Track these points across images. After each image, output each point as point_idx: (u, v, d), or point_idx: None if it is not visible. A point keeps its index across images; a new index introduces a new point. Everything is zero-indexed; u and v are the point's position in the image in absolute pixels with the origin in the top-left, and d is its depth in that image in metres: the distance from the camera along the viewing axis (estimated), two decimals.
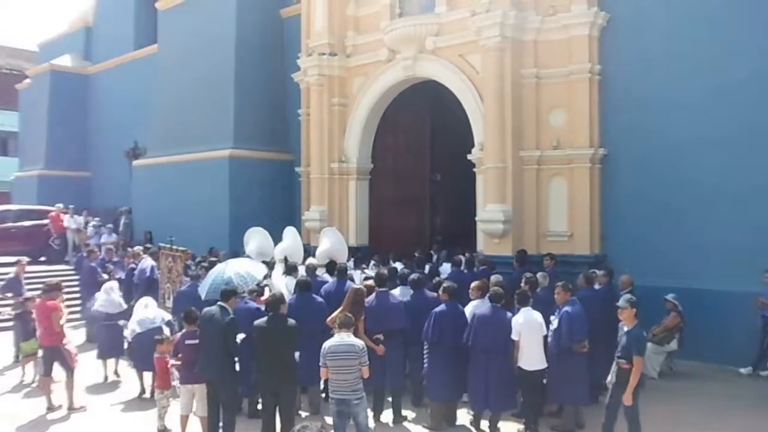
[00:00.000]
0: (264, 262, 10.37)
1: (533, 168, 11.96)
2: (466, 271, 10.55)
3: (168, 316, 9.55)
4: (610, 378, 6.72)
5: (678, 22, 10.86)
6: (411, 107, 15.10)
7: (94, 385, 9.79)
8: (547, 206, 11.98)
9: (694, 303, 9.97)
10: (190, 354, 7.11)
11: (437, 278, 9.32)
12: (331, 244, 11.09)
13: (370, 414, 7.34)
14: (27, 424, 8.18)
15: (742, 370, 9.93)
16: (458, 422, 7.82)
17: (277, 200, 16.77)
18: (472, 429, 7.70)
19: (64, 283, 9.70)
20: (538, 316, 7.33)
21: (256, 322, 6.83)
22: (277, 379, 6.68)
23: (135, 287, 11.60)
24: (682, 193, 10.70)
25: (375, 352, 7.52)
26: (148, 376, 9.08)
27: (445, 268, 11.47)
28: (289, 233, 11.11)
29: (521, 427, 7.54)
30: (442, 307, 7.57)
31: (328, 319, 7.62)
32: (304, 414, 8.14)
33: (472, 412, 7.74)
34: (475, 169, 12.64)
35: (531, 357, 7.21)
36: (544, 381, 7.59)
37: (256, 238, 11.29)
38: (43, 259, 17.64)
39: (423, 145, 15.78)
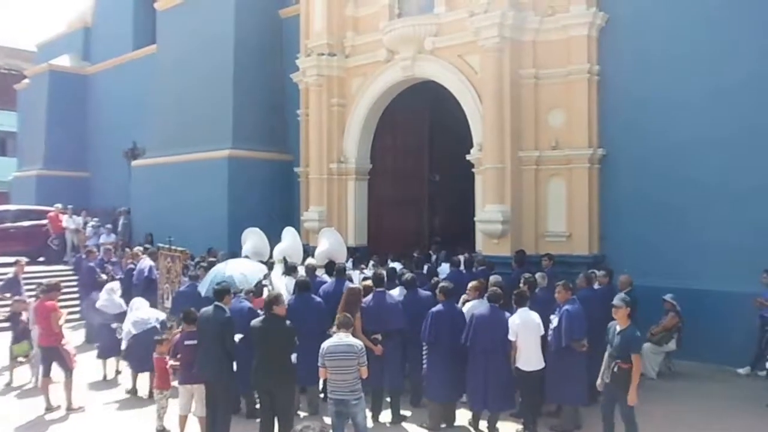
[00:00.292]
0: (262, 262, 10.39)
1: (532, 168, 11.97)
2: (464, 271, 10.56)
3: (162, 316, 9.66)
4: (600, 381, 6.73)
5: (677, 22, 10.87)
6: (410, 108, 15.10)
7: (93, 383, 9.82)
8: (546, 206, 11.98)
9: (693, 303, 9.98)
10: (189, 354, 7.12)
11: (436, 278, 9.33)
12: (330, 244, 11.09)
13: (369, 414, 7.34)
14: (25, 424, 8.17)
15: (741, 371, 9.94)
16: (457, 422, 7.82)
17: (276, 201, 16.77)
18: (471, 429, 7.70)
19: (62, 284, 9.68)
20: (535, 316, 7.33)
21: (253, 322, 6.85)
22: (272, 380, 6.69)
23: (134, 287, 11.60)
24: (680, 194, 10.71)
25: (373, 353, 7.53)
26: (143, 376, 9.16)
27: (444, 269, 11.48)
28: (289, 234, 11.12)
29: (520, 427, 7.55)
30: (438, 307, 7.58)
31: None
32: (302, 414, 8.14)
33: (470, 414, 7.75)
34: (473, 170, 12.65)
35: (528, 357, 7.22)
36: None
37: (251, 238, 11.34)
38: (41, 259, 17.61)
39: (422, 145, 15.78)
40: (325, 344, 6.24)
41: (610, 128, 11.55)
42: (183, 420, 7.28)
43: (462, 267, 10.70)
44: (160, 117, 19.05)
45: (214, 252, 12.91)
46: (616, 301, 6.73)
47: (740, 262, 9.95)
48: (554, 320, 7.49)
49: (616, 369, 6.50)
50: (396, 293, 8.63)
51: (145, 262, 11.98)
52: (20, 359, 9.94)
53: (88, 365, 10.29)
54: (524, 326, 7.19)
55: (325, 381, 6.69)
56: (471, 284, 8.40)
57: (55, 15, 66.27)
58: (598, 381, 6.77)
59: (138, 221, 19.18)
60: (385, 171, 15.48)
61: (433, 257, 13.77)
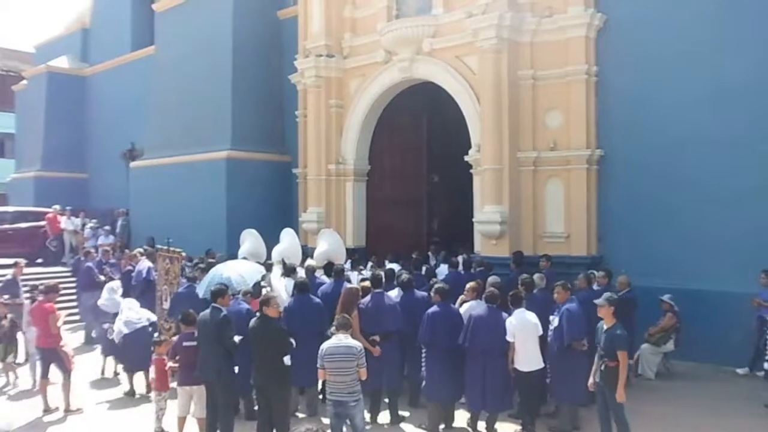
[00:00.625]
0: (260, 263, 10.40)
1: (530, 169, 11.98)
2: (463, 272, 10.57)
3: (153, 317, 9.80)
4: (592, 381, 6.74)
5: (675, 23, 10.88)
6: (408, 108, 15.11)
7: (92, 383, 9.92)
8: (544, 207, 11.99)
9: (691, 303, 9.99)
10: (187, 356, 7.13)
11: (435, 279, 9.34)
12: (329, 245, 11.10)
13: (367, 415, 7.34)
14: (24, 426, 8.17)
15: (739, 371, 9.95)
16: (455, 423, 7.82)
17: (275, 202, 16.77)
18: (469, 430, 7.71)
19: (61, 285, 9.71)
20: (532, 316, 7.35)
21: (250, 324, 6.86)
22: (265, 381, 6.73)
23: (132, 289, 11.62)
24: (678, 194, 10.73)
25: (371, 354, 7.54)
26: (139, 376, 9.27)
27: (442, 270, 11.49)
28: (287, 235, 11.13)
29: (518, 427, 7.55)
30: (434, 308, 7.59)
31: None
32: (301, 415, 8.15)
33: (469, 415, 7.76)
34: (472, 171, 12.66)
35: (526, 358, 7.24)
36: (548, 380, 7.63)
37: (248, 240, 11.37)
38: (40, 261, 17.60)
39: (420, 146, 15.79)
40: (325, 345, 6.25)
41: (608, 129, 11.56)
42: (182, 422, 7.28)
43: (460, 268, 10.72)
44: (159, 118, 19.04)
45: (213, 253, 12.91)
46: (599, 300, 6.76)
47: (738, 262, 9.98)
48: (554, 320, 7.52)
49: (603, 367, 6.54)
50: (394, 294, 8.64)
51: (144, 264, 11.98)
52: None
53: (87, 366, 10.33)
54: (521, 327, 7.21)
55: (324, 382, 6.70)
56: (468, 285, 8.41)
57: (53, 16, 66.23)
58: (590, 381, 6.79)
59: (136, 223, 19.17)
60: (383, 172, 15.49)
61: (432, 258, 13.78)
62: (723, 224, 10.31)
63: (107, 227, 18.45)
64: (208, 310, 7.09)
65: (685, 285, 10.24)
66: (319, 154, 15.07)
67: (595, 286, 9.18)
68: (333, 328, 7.06)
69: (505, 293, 7.73)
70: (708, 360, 10.19)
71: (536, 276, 9.10)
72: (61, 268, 16.93)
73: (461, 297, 8.38)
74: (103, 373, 10.21)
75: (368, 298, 8.07)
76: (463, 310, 7.89)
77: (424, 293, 8.47)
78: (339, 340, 6.22)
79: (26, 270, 12.83)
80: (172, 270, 10.44)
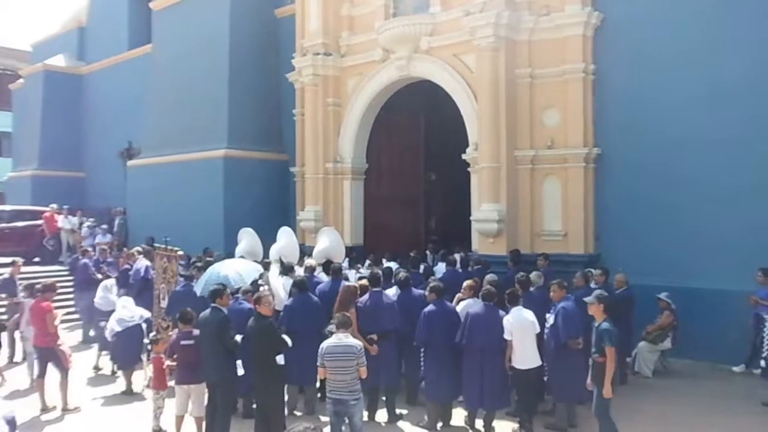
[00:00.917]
0: (257, 261, 10.39)
1: (527, 167, 11.99)
2: (460, 270, 10.57)
3: (147, 314, 9.85)
4: (589, 380, 6.76)
5: (672, 21, 10.89)
6: (405, 107, 15.11)
7: (90, 381, 9.96)
8: (542, 206, 12.00)
9: (688, 301, 10.01)
10: (185, 354, 7.12)
11: (433, 278, 9.34)
12: (330, 242, 11.10)
13: (365, 414, 7.34)
14: (21, 425, 8.12)
15: (736, 369, 9.97)
16: (453, 421, 7.83)
17: (272, 200, 16.76)
18: (467, 428, 7.72)
19: (58, 284, 9.69)
20: (529, 314, 7.36)
21: (248, 323, 6.87)
22: (257, 380, 6.76)
23: (130, 287, 11.63)
24: (675, 192, 10.74)
25: (369, 352, 7.53)
26: (135, 374, 9.33)
27: (440, 268, 11.50)
28: (285, 233, 11.12)
29: (515, 425, 7.56)
30: (431, 307, 7.60)
31: None
32: (299, 414, 8.15)
33: (466, 413, 7.77)
34: (469, 169, 12.67)
35: (524, 356, 7.24)
36: (545, 378, 7.64)
37: (245, 238, 11.37)
38: (37, 260, 17.58)
39: (417, 144, 15.79)
40: (325, 344, 6.23)
41: (606, 127, 11.57)
42: (179, 420, 7.28)
43: (458, 266, 10.72)
44: (156, 117, 19.02)
45: (210, 252, 12.91)
46: (589, 298, 6.79)
47: (735, 260, 10.00)
48: (550, 319, 7.53)
49: (591, 363, 6.60)
50: (391, 293, 8.64)
51: (142, 263, 11.98)
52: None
53: (85, 364, 10.34)
54: (518, 325, 7.22)
55: (323, 381, 6.70)
56: (465, 283, 8.43)
57: (49, 15, 66.05)
58: (588, 380, 6.80)
59: (134, 221, 19.15)
60: (380, 170, 15.49)
61: (430, 257, 13.79)
62: (720, 223, 10.33)
63: (104, 226, 18.43)
64: (208, 311, 7.08)
65: (682, 283, 10.26)
66: (317, 152, 15.07)
67: (592, 285, 9.20)
68: (331, 327, 7.07)
69: (502, 291, 7.74)
70: (705, 358, 10.21)
71: (534, 274, 9.11)
72: (59, 267, 16.89)
73: (458, 295, 8.40)
74: (96, 369, 10.32)
75: (366, 296, 8.06)
76: (460, 308, 7.90)
77: (422, 292, 8.48)
78: (339, 339, 6.20)
79: (23, 269, 12.81)
80: (169, 269, 10.44)
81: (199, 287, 9.10)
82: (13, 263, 11.82)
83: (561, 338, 7.33)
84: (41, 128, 23.94)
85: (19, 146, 26.67)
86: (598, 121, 11.66)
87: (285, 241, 10.94)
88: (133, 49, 22.26)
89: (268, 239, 11.18)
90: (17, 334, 10.77)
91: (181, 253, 10.72)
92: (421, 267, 11.17)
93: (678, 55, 10.79)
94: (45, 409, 8.53)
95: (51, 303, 8.71)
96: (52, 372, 8.64)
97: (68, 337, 11.05)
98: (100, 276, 12.34)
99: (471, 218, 12.48)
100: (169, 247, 10.59)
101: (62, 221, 17.92)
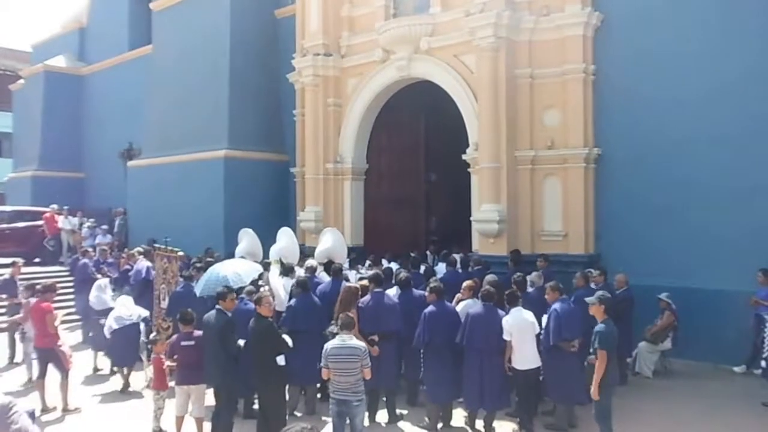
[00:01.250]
0: (257, 261, 10.39)
1: (528, 168, 11.99)
2: (461, 271, 10.57)
3: (145, 313, 9.98)
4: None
5: (672, 21, 10.89)
6: (406, 107, 15.11)
7: (89, 381, 9.98)
8: (542, 206, 11.99)
9: (688, 302, 10.00)
10: (185, 355, 7.12)
11: (434, 278, 9.33)
12: (332, 242, 11.11)
13: (366, 414, 7.34)
14: None
15: (736, 369, 9.96)
16: (453, 422, 7.83)
17: (272, 201, 16.76)
18: (468, 428, 7.72)
19: (58, 285, 9.71)
20: (528, 315, 7.36)
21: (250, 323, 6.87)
22: (258, 380, 6.76)
23: (132, 288, 11.64)
24: (676, 193, 10.74)
25: (370, 353, 7.52)
26: (134, 374, 9.42)
27: (440, 268, 11.49)
28: (285, 234, 11.12)
29: (515, 426, 7.56)
30: (431, 308, 7.59)
31: None
32: (299, 414, 8.15)
33: (466, 413, 7.77)
34: (469, 169, 12.66)
35: (523, 356, 7.24)
36: (541, 378, 7.64)
37: (245, 239, 11.38)
38: (37, 260, 17.58)
39: (418, 145, 15.80)
40: (329, 345, 6.19)
41: (606, 128, 11.57)
42: (180, 421, 7.26)
43: (458, 266, 10.72)
44: (156, 117, 19.03)
45: (212, 252, 12.91)
46: (590, 298, 6.79)
47: (736, 260, 9.99)
48: (543, 320, 7.56)
49: (586, 364, 6.61)
50: (392, 293, 8.64)
51: (142, 263, 11.99)
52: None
53: (85, 365, 10.35)
54: (518, 325, 7.21)
55: (324, 382, 6.68)
56: (465, 283, 8.43)
57: (50, 15, 66.10)
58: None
59: (134, 222, 19.15)
60: (381, 171, 15.49)
61: (431, 257, 13.78)
62: (721, 223, 10.32)
63: (105, 226, 18.44)
64: (213, 312, 7.05)
65: (683, 283, 10.26)
66: (317, 153, 15.07)
67: (592, 285, 9.19)
68: (333, 327, 7.06)
69: (502, 292, 7.74)
70: (705, 358, 10.20)
71: (534, 274, 9.10)
72: (59, 268, 16.91)
73: (458, 295, 8.39)
74: (95, 369, 10.38)
75: (368, 297, 8.04)
76: (460, 308, 7.90)
77: (422, 292, 8.47)
78: (343, 340, 6.15)
79: (24, 269, 12.82)
80: (170, 269, 10.45)
81: (198, 288, 9.08)
82: (13, 264, 11.82)
83: (550, 340, 7.34)
84: (42, 129, 23.96)
85: (19, 147, 26.68)
86: (598, 122, 11.65)
87: (285, 241, 10.94)
88: (134, 50, 22.28)
89: (268, 240, 11.18)
90: (17, 335, 10.77)
91: (181, 253, 10.72)
92: (422, 267, 11.16)
93: (678, 55, 10.78)
94: (45, 410, 8.51)
95: (51, 304, 8.71)
96: (52, 372, 8.63)
97: (68, 338, 11.06)
98: (99, 276, 12.34)
99: (471, 218, 12.47)
100: (170, 248, 10.61)
101: (62, 222, 17.94)
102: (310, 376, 7.92)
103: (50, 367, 8.61)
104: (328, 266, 10.04)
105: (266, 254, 10.91)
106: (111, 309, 10.10)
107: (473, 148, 12.48)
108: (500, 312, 7.42)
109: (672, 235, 10.75)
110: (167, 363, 7.53)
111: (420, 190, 16.00)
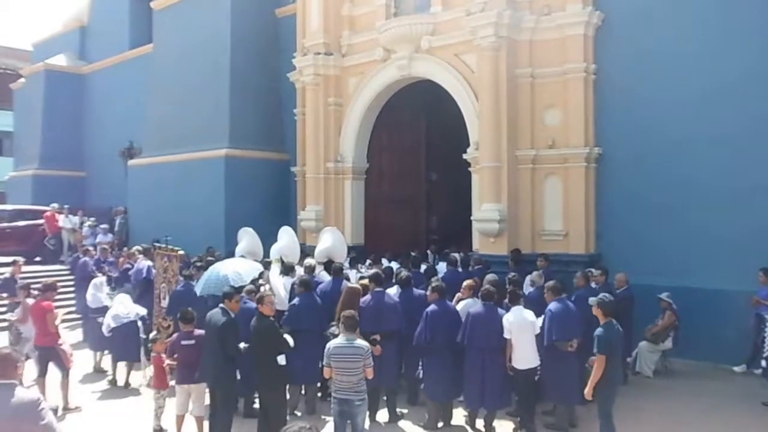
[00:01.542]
0: (257, 261, 10.40)
1: (528, 167, 11.98)
2: (461, 270, 10.57)
3: (143, 312, 10.05)
4: None
5: (673, 20, 10.88)
6: (406, 107, 15.11)
7: (88, 381, 10.00)
8: (543, 205, 11.99)
9: (689, 301, 10.00)
10: (186, 354, 7.12)
11: (435, 278, 9.33)
12: (332, 242, 11.11)
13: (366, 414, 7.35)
14: None
15: (737, 369, 9.96)
16: (454, 421, 7.84)
17: (273, 200, 16.76)
18: (468, 428, 7.72)
19: (59, 284, 9.73)
20: (529, 314, 7.36)
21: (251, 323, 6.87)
22: (259, 380, 6.77)
23: (133, 288, 11.64)
24: (676, 192, 10.73)
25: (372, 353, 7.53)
26: (133, 374, 9.57)
27: (441, 267, 11.50)
28: (285, 233, 11.12)
29: (516, 425, 7.56)
30: (432, 307, 7.59)
31: None
32: (299, 414, 8.15)
33: (466, 412, 7.77)
34: (470, 169, 12.66)
35: (523, 356, 7.24)
36: (536, 378, 7.64)
37: (245, 238, 11.37)
38: (38, 259, 17.59)
39: (418, 144, 15.80)
40: (331, 344, 6.15)
41: (607, 127, 11.57)
42: (180, 420, 7.28)
43: (459, 266, 10.72)
44: (157, 116, 19.02)
45: (213, 251, 12.91)
46: (591, 300, 6.79)
47: (736, 260, 9.99)
48: (540, 320, 7.55)
49: (587, 365, 6.62)
50: (392, 292, 8.64)
51: (143, 263, 11.99)
52: None
53: (86, 363, 10.37)
54: (518, 325, 7.22)
55: (324, 381, 6.67)
56: (465, 283, 8.43)
57: (51, 14, 66.12)
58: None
59: (135, 221, 19.16)
60: (381, 170, 15.49)
61: (432, 257, 13.77)
62: (721, 222, 10.32)
63: (105, 225, 18.43)
64: (218, 311, 6.97)
65: (684, 283, 10.26)
66: (318, 152, 15.07)
67: (592, 285, 9.19)
68: (334, 328, 7.05)
69: (502, 291, 7.74)
70: (706, 358, 10.20)
71: (534, 274, 9.10)
72: (60, 267, 16.92)
73: (458, 295, 8.40)
74: (95, 368, 10.43)
75: (369, 296, 8.04)
76: (460, 307, 7.90)
77: (423, 291, 8.48)
78: (348, 339, 6.12)
79: (24, 268, 12.82)
80: (170, 268, 10.45)
81: (199, 287, 9.09)
82: (14, 263, 11.82)
83: (545, 340, 7.34)
84: (42, 128, 23.96)
85: (20, 146, 26.69)
86: (599, 121, 11.65)
87: (286, 240, 10.95)
88: (134, 49, 22.28)
89: (268, 239, 11.18)
90: (8, 335, 10.74)
91: (181, 252, 10.72)
92: (423, 267, 11.16)
93: (679, 54, 10.78)
94: None
95: (52, 302, 8.71)
96: (53, 371, 8.64)
97: (69, 336, 11.05)
98: (100, 274, 12.33)
99: (472, 218, 12.47)
100: (170, 247, 10.61)
101: (63, 221, 17.94)
102: (311, 375, 7.94)
103: (51, 366, 8.61)
104: (328, 265, 10.04)
105: (267, 253, 10.91)
106: (106, 308, 10.16)
107: (474, 148, 12.47)
108: (500, 311, 7.42)
109: (672, 235, 10.75)
110: (167, 362, 7.54)
111: (420, 190, 15.99)
